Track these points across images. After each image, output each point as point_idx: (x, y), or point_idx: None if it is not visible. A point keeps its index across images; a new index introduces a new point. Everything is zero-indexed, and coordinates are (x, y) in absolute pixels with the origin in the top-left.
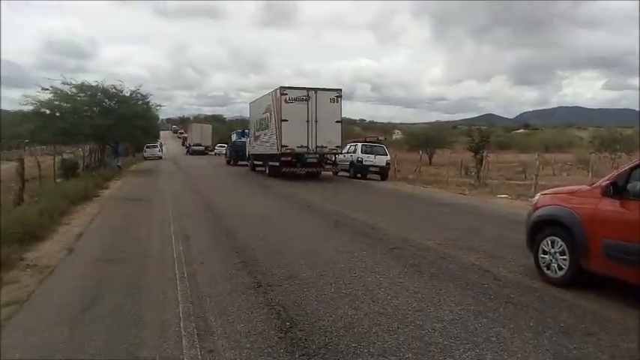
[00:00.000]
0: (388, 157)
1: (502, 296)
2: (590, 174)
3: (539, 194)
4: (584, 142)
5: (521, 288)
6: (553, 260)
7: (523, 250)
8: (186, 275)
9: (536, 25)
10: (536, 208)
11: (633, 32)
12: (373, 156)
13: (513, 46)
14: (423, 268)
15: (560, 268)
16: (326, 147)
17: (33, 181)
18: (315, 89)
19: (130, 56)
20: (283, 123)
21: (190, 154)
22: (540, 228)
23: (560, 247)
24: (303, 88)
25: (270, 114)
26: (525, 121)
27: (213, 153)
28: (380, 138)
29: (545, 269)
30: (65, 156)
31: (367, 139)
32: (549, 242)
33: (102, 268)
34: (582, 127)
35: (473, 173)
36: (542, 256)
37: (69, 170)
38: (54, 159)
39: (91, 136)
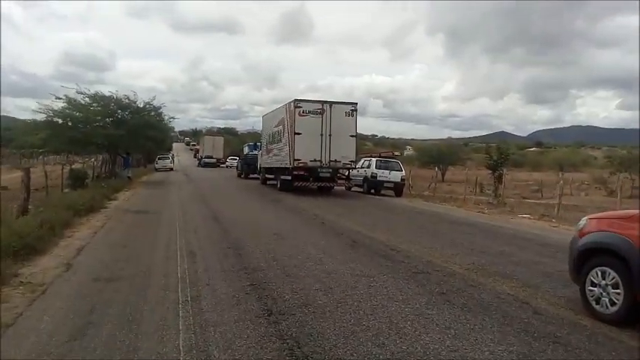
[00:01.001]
0: (403, 172)
1: (548, 335)
2: (619, 196)
3: (584, 219)
4: (599, 161)
5: (568, 325)
6: (604, 294)
7: (560, 278)
8: (189, 298)
9: (551, 43)
10: (582, 234)
11: None
12: (388, 171)
13: (527, 65)
14: (452, 298)
15: (613, 303)
16: (340, 161)
17: (42, 190)
18: (330, 102)
19: (147, 69)
20: (297, 136)
21: (202, 166)
22: (588, 257)
23: (613, 279)
24: (318, 102)
25: (284, 127)
26: (538, 139)
27: (224, 165)
28: (395, 153)
29: (594, 304)
30: (77, 166)
31: (382, 155)
32: (599, 273)
33: (99, 288)
34: (596, 147)
35: (490, 191)
36: (591, 288)
37: (77, 180)
38: (62, 169)
39: (102, 146)
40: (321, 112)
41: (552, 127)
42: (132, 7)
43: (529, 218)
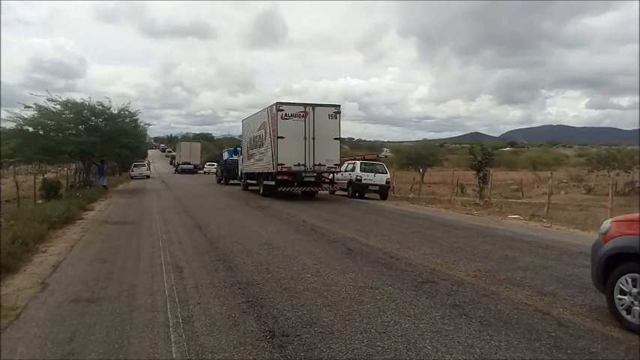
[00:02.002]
0: (388, 175)
1: (581, 351)
2: (610, 194)
3: (608, 222)
4: (571, 159)
5: (600, 339)
6: (635, 303)
7: (574, 284)
8: (180, 320)
9: (520, 44)
10: (606, 239)
11: (615, 51)
12: (373, 174)
13: (498, 66)
14: (467, 310)
15: None
16: (324, 165)
17: (14, 202)
18: (313, 105)
19: (118, 75)
20: (279, 140)
21: (179, 172)
22: (615, 263)
23: None
24: (300, 104)
25: (266, 131)
26: (511, 139)
27: (202, 172)
28: (380, 155)
29: (624, 313)
30: (50, 175)
31: (366, 157)
32: (629, 281)
33: (79, 311)
34: (567, 145)
35: (476, 192)
36: (620, 297)
37: (50, 191)
38: (34, 179)
39: (76, 154)
40: (304, 115)
41: (524, 127)
42: (99, 11)
43: (519, 219)
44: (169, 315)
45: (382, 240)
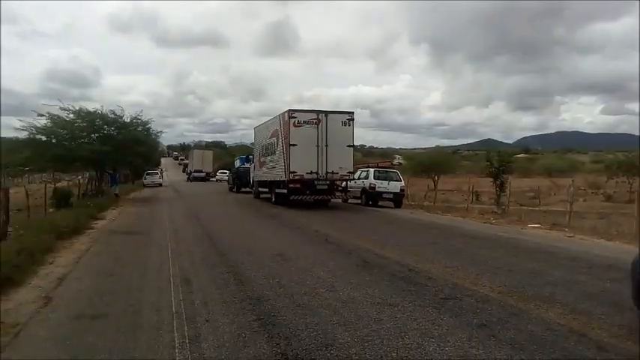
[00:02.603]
0: (402, 183)
1: None
2: (637, 202)
3: None
4: (586, 166)
5: None
6: None
7: (608, 301)
8: (187, 340)
9: (533, 51)
10: None
11: (630, 57)
12: (387, 182)
13: (511, 73)
14: (496, 331)
15: None
16: (337, 173)
17: (26, 211)
18: (326, 112)
19: (132, 85)
20: (292, 148)
21: (191, 180)
22: None
23: None
24: (313, 111)
25: (278, 138)
26: (525, 145)
27: (214, 179)
28: (394, 163)
29: None
30: (63, 184)
31: (380, 165)
32: None
33: (82, 329)
34: (582, 152)
35: (493, 200)
36: None
37: (61, 199)
38: (45, 187)
39: (88, 162)
40: (317, 122)
41: (539, 134)
42: (114, 23)
43: (540, 228)
44: (176, 334)
45: (399, 251)
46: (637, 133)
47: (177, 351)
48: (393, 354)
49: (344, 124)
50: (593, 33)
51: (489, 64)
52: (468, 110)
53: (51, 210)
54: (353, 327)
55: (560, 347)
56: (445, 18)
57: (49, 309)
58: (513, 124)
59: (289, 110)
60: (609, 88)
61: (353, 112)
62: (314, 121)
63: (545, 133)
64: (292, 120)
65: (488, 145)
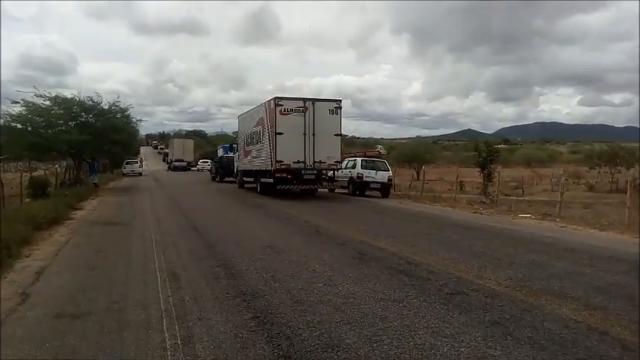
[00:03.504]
0: (390, 172)
1: None
2: (629, 192)
3: None
4: (565, 156)
5: None
6: None
7: (620, 294)
8: (179, 341)
9: (512, 42)
10: None
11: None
12: (374, 172)
13: (491, 63)
14: (511, 329)
15: None
16: (325, 162)
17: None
18: (313, 100)
19: (109, 72)
20: (278, 136)
21: (172, 170)
22: None
23: None
24: (300, 99)
25: (263, 127)
26: (504, 136)
27: (195, 169)
28: (382, 152)
29: None
30: (41, 172)
31: (367, 154)
32: None
33: (62, 329)
34: (560, 142)
35: (481, 190)
36: None
37: (38, 189)
38: (21, 176)
39: (66, 151)
40: (304, 111)
41: (517, 124)
42: (89, 8)
43: (531, 218)
44: (166, 334)
45: (394, 243)
46: (614, 124)
47: (169, 353)
48: (406, 355)
49: (331, 112)
50: (572, 25)
51: (469, 55)
52: (448, 100)
53: (27, 200)
54: (358, 325)
55: (582, 347)
56: (426, 8)
57: (26, 306)
58: (493, 115)
59: (275, 98)
60: (587, 80)
61: (340, 100)
62: (301, 109)
63: (524, 124)
64: (279, 108)
65: (468, 135)
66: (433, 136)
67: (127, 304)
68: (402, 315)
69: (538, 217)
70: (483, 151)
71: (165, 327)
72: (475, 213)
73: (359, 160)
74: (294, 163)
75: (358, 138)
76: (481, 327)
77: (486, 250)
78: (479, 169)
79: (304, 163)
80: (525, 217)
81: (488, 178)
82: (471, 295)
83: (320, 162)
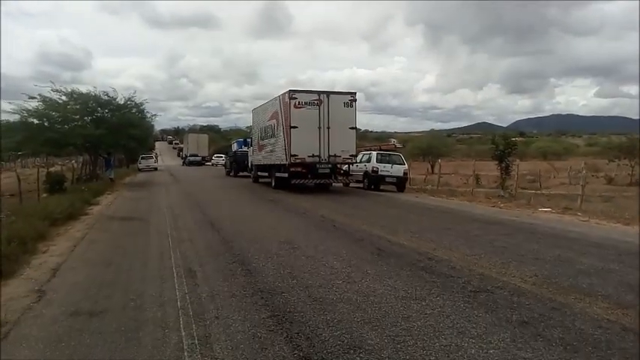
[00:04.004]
0: (406, 166)
1: None
2: None
3: None
4: (581, 149)
5: None
6: None
7: None
8: (197, 341)
9: (527, 33)
10: None
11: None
12: (390, 165)
13: (506, 55)
14: (541, 329)
15: None
16: (339, 156)
17: (19, 196)
18: (328, 93)
19: (124, 67)
20: (292, 130)
21: (187, 164)
22: None
23: None
24: (314, 92)
25: (278, 120)
26: (519, 129)
27: (210, 164)
28: (397, 145)
29: None
30: (57, 168)
31: (382, 147)
32: None
33: (78, 327)
34: (577, 135)
35: (498, 183)
36: None
37: (55, 184)
38: (37, 172)
39: (82, 146)
40: (318, 104)
41: (533, 117)
42: (103, 3)
43: (552, 212)
44: (183, 333)
45: (413, 238)
46: (631, 116)
47: (186, 354)
48: (431, 357)
49: (346, 105)
50: (589, 14)
51: (484, 46)
52: (462, 93)
53: (44, 195)
54: (380, 325)
55: (618, 349)
56: None
57: (42, 304)
58: (508, 107)
59: (290, 91)
60: (604, 71)
61: (355, 93)
62: (315, 102)
63: (539, 116)
64: (293, 101)
65: (482, 128)
66: (446, 130)
67: (144, 302)
68: (426, 314)
69: (559, 211)
70: (501, 144)
71: (182, 326)
72: (494, 207)
73: (374, 153)
74: (308, 157)
75: (371, 132)
76: (509, 327)
77: (509, 246)
78: (496, 163)
79: (319, 157)
80: (545, 211)
81: (506, 171)
82: (496, 292)
83: (335, 156)
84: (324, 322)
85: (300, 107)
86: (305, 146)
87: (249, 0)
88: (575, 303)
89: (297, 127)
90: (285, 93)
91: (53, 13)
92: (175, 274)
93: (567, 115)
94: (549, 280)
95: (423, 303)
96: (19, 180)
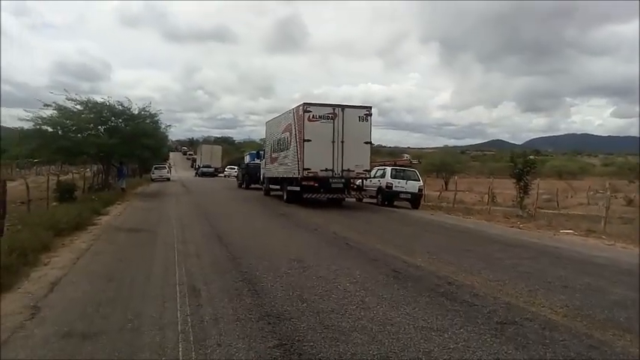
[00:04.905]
0: (421, 182)
1: None
2: None
3: None
4: (597, 169)
5: None
6: None
7: None
8: None
9: (543, 52)
10: None
11: None
12: (404, 181)
13: (521, 73)
14: None
15: None
16: (353, 171)
17: (28, 203)
18: (342, 106)
19: (142, 79)
20: (306, 143)
21: (199, 175)
22: None
23: None
24: (329, 105)
25: (291, 133)
26: (534, 147)
27: (223, 175)
28: (413, 161)
29: None
30: (70, 176)
31: (397, 163)
32: None
33: (69, 351)
34: (592, 155)
35: (516, 202)
36: None
37: (64, 193)
38: (47, 180)
39: (96, 155)
40: (333, 117)
41: (548, 135)
42: (123, 16)
43: (575, 234)
44: None
45: (431, 260)
46: None
47: None
48: None
49: (361, 119)
50: (605, 35)
51: (499, 65)
52: (476, 110)
53: (54, 204)
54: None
55: None
56: (456, 17)
57: (35, 322)
58: (522, 126)
59: (304, 104)
60: (621, 91)
61: (371, 107)
62: (330, 115)
63: (554, 135)
64: (307, 114)
65: (496, 146)
66: (461, 146)
67: (143, 323)
68: (449, 348)
69: (582, 234)
70: (519, 162)
71: (180, 353)
72: (512, 227)
73: (388, 169)
74: (321, 171)
75: (384, 147)
76: None
77: (533, 271)
78: (514, 181)
79: (332, 171)
80: (567, 232)
81: (525, 190)
82: (526, 325)
83: (348, 170)
84: (336, 355)
85: (314, 120)
86: (318, 160)
87: (266, 15)
88: (614, 340)
89: (310, 141)
90: (299, 106)
91: (74, 25)
92: (178, 293)
93: (583, 134)
94: (582, 311)
95: (446, 335)
96: (27, 187)
